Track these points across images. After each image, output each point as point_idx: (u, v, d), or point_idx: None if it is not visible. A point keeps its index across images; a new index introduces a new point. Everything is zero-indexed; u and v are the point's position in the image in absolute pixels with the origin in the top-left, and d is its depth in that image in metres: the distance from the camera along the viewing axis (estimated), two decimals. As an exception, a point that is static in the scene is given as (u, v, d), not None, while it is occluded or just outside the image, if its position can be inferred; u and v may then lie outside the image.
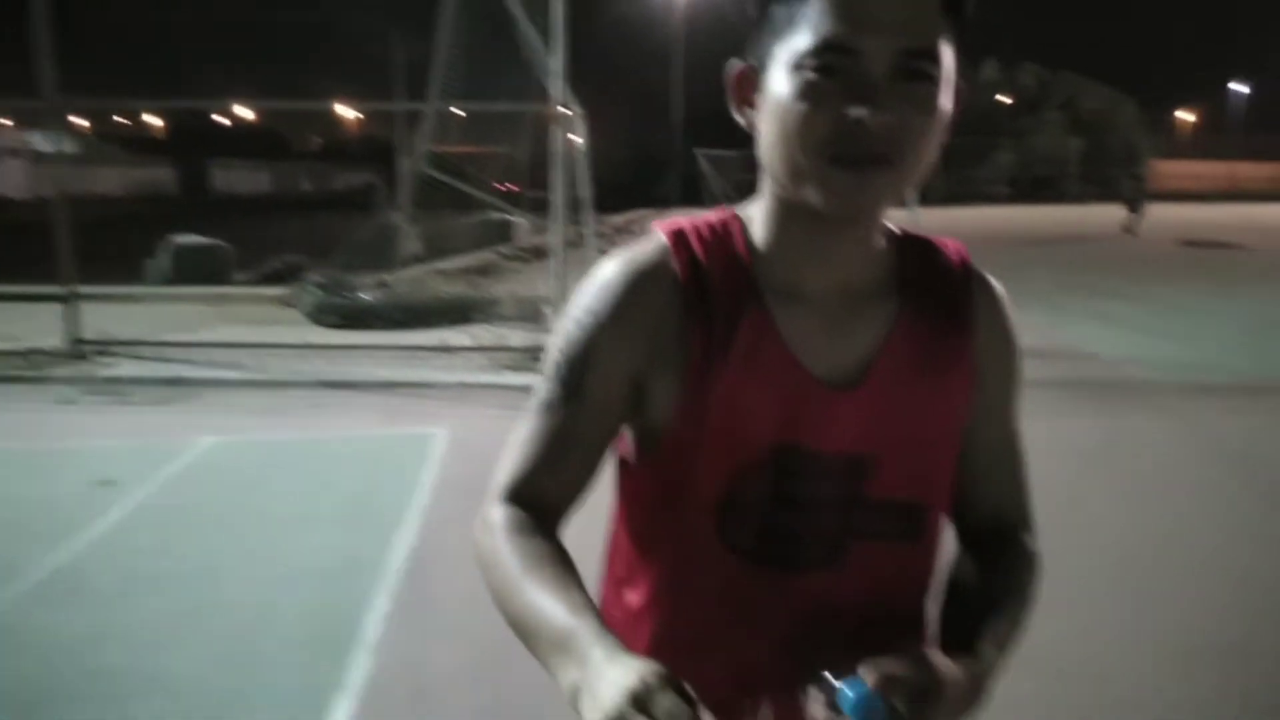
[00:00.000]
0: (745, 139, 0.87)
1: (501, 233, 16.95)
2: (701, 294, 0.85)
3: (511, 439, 0.93)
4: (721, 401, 0.84)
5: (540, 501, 0.89)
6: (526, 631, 0.79)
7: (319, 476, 4.85)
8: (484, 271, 13.45)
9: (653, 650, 0.89)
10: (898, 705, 0.71)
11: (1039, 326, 8.55)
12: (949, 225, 21.80)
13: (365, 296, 9.77)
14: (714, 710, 0.80)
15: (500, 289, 11.19)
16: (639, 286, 0.86)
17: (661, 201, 32.90)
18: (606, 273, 0.88)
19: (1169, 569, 3.75)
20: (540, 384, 0.92)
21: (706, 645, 0.89)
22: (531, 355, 7.33)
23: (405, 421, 5.86)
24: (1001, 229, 22.50)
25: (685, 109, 42.04)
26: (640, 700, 0.63)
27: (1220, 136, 43.66)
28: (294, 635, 3.19)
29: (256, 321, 9.00)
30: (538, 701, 2.76)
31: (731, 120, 0.88)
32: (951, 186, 30.11)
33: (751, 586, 0.87)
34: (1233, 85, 43.49)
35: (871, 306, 0.88)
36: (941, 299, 0.90)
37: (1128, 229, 21.24)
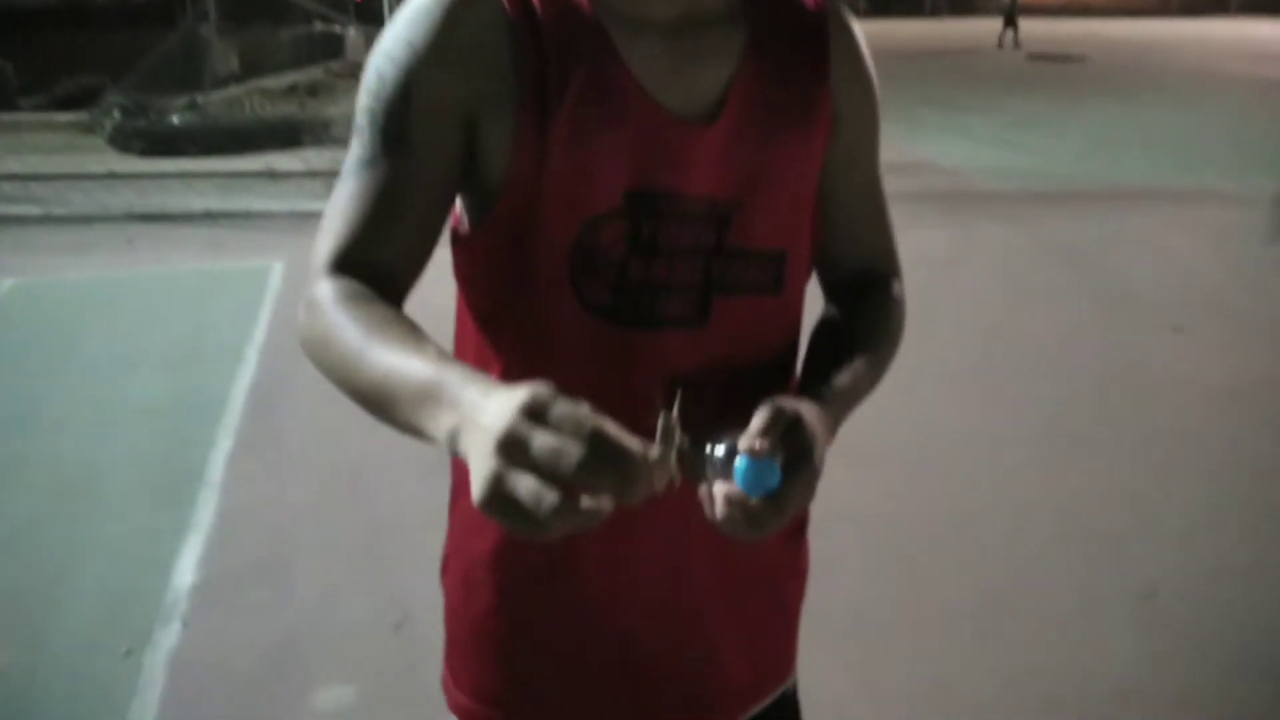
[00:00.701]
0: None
1: (330, 47, 15.74)
2: (531, 23, 0.77)
3: (329, 209, 0.81)
4: (565, 144, 0.77)
5: (373, 271, 0.78)
6: (382, 399, 0.68)
7: (141, 316, 4.57)
8: (313, 90, 12.53)
9: None
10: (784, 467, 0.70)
11: (898, 141, 8.74)
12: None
13: (174, 119, 8.99)
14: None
15: (333, 109, 10.50)
16: (459, 12, 0.77)
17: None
18: (419, 1, 0.79)
19: (1015, 365, 4.05)
20: (354, 141, 0.81)
21: None
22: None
23: (235, 255, 5.54)
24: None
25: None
26: (534, 410, 0.55)
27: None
28: (130, 481, 3.07)
29: (51, 150, 8.20)
30: (387, 530, 2.79)
31: None
32: None
33: (615, 350, 0.83)
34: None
35: (718, 36, 0.83)
36: (794, 34, 0.86)
37: (1001, 44, 21.94)
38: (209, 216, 6.34)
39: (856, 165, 0.94)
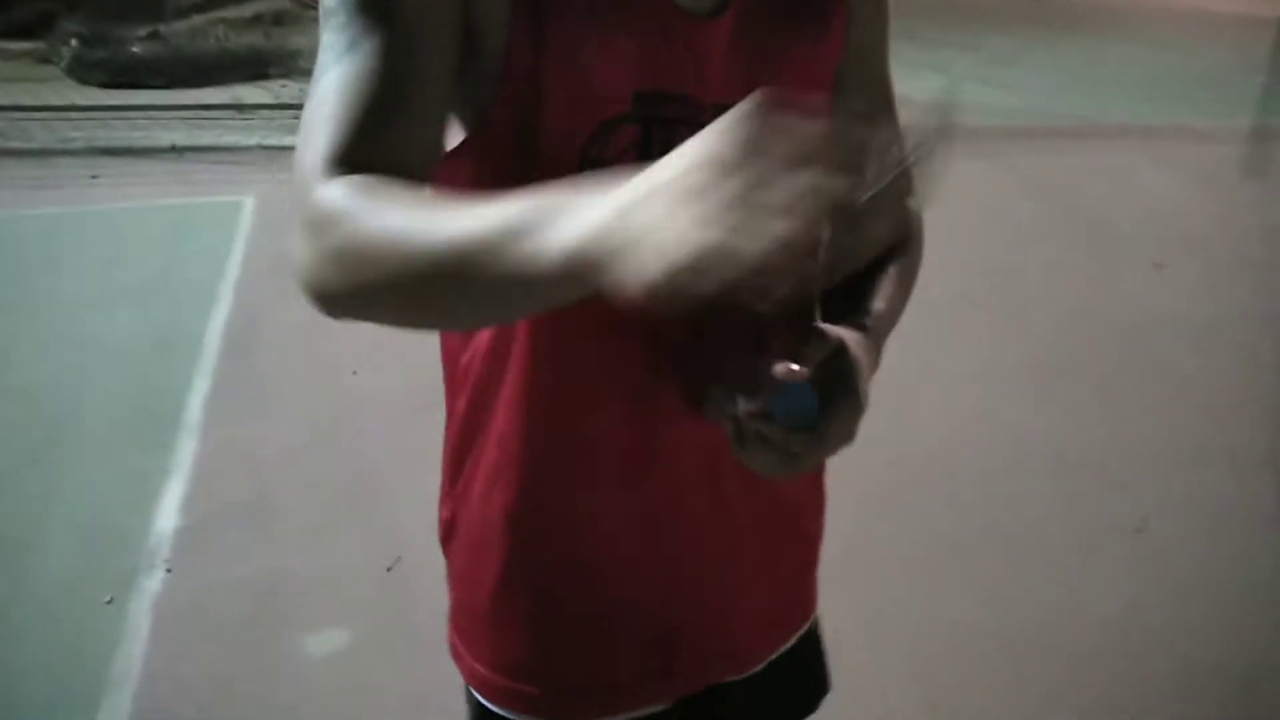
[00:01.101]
0: None
1: (294, -25, 15.18)
2: None
3: (310, 109, 0.65)
4: (564, 34, 0.66)
5: (383, 166, 0.61)
6: (460, 265, 0.53)
7: (110, 252, 4.39)
8: (278, 20, 12.06)
9: (545, 400, 0.76)
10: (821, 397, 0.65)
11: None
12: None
13: (136, 50, 8.62)
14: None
15: (301, 39, 10.13)
16: None
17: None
18: None
19: (1000, 301, 4.01)
20: (327, 31, 0.66)
21: (603, 374, 0.76)
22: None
23: (204, 190, 5.34)
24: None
25: None
26: (755, 141, 0.43)
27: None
28: (105, 424, 2.96)
29: (5, 80, 7.83)
30: (376, 469, 2.72)
31: None
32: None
33: None
34: None
35: None
36: None
37: None
38: (176, 150, 6.11)
39: (868, 65, 0.87)
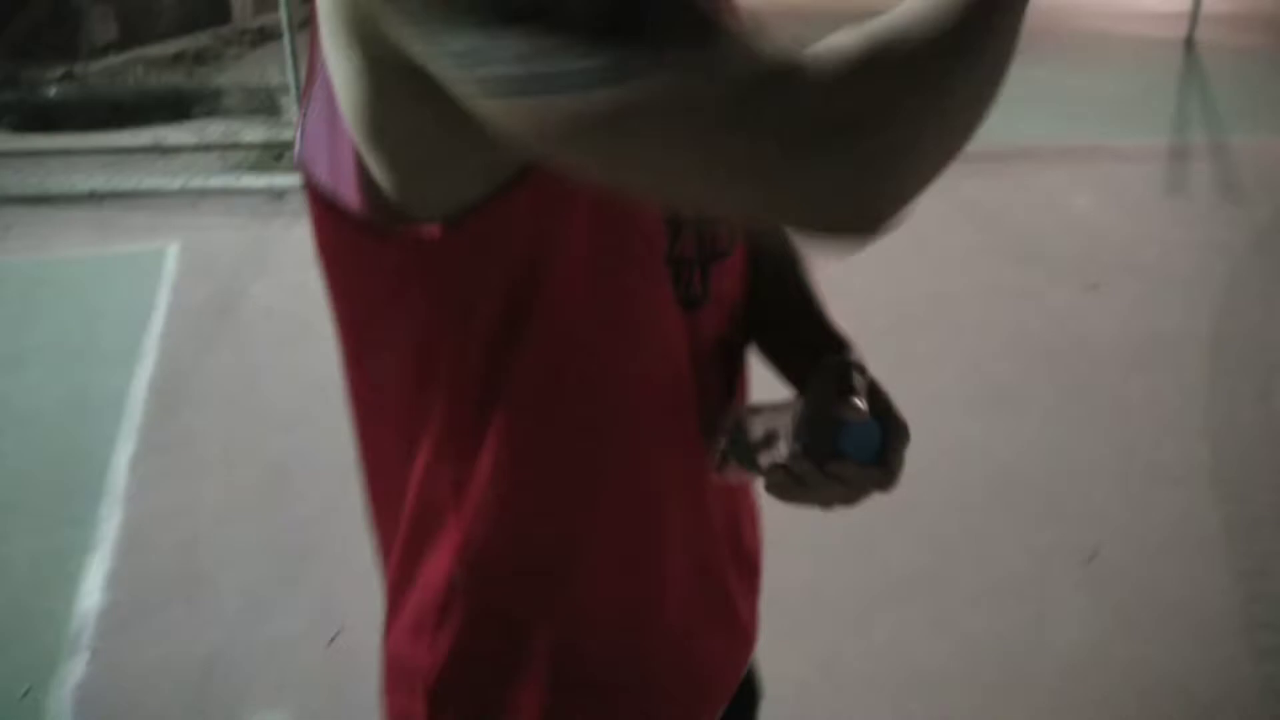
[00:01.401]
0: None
1: (217, 11, 14.89)
2: None
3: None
4: None
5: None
6: None
7: (23, 311, 4.18)
8: (200, 58, 11.82)
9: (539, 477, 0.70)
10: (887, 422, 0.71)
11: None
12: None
13: (50, 92, 8.33)
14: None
15: (223, 78, 9.91)
16: None
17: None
18: None
19: (938, 327, 4.02)
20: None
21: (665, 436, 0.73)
22: (273, 153, 6.58)
23: (124, 238, 5.14)
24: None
25: None
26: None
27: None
28: (20, 497, 2.78)
29: (-91, 127, 7.50)
30: (314, 534, 2.58)
31: None
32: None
33: (690, 339, 0.72)
34: None
35: None
36: None
37: None
38: (94, 197, 5.87)
39: None
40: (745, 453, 0.71)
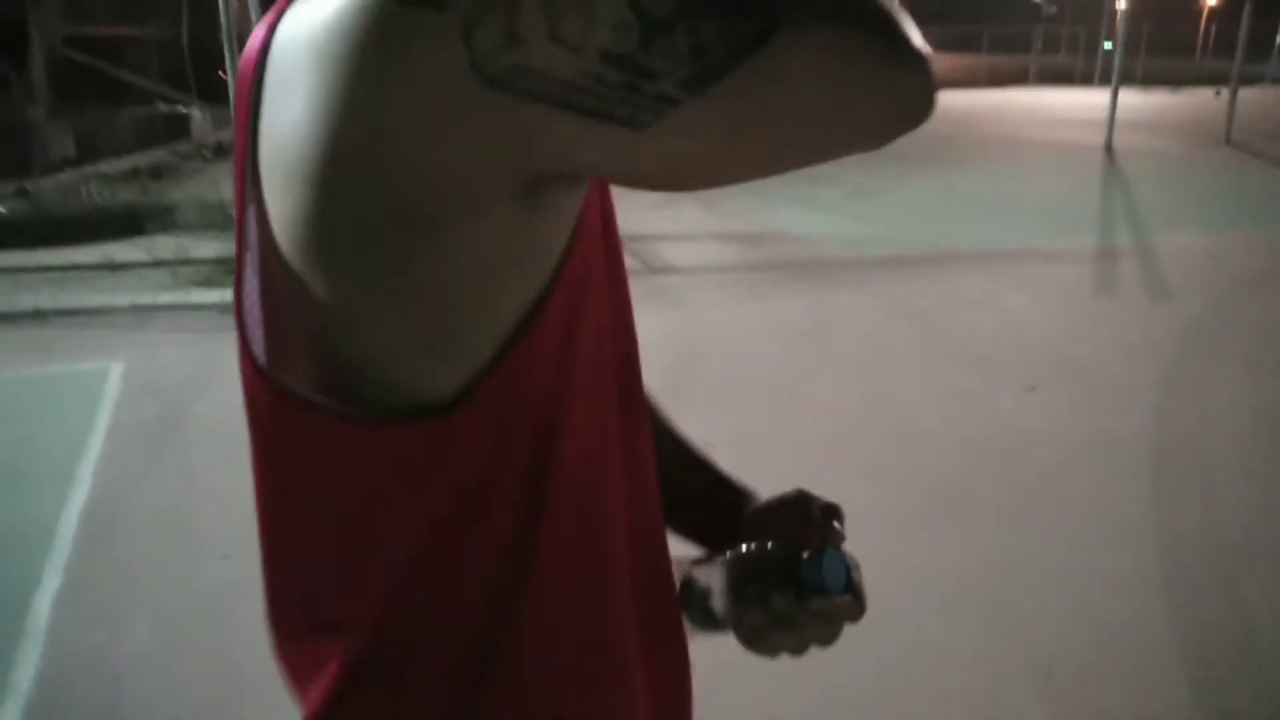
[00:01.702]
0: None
1: (174, 128, 15.00)
2: None
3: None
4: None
5: None
6: None
7: (-45, 434, 4.01)
8: (157, 174, 11.82)
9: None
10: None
11: (749, 213, 8.88)
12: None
13: (1, 209, 8.25)
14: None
15: (178, 193, 9.90)
16: None
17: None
18: None
19: (880, 433, 4.02)
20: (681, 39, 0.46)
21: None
22: (225, 268, 6.52)
23: (67, 357, 5.01)
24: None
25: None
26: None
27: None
28: (-67, 637, 2.60)
29: None
30: (249, 673, 2.44)
31: None
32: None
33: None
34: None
35: None
36: None
37: None
38: (38, 315, 5.74)
39: None
40: (700, 608, 0.69)
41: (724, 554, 0.71)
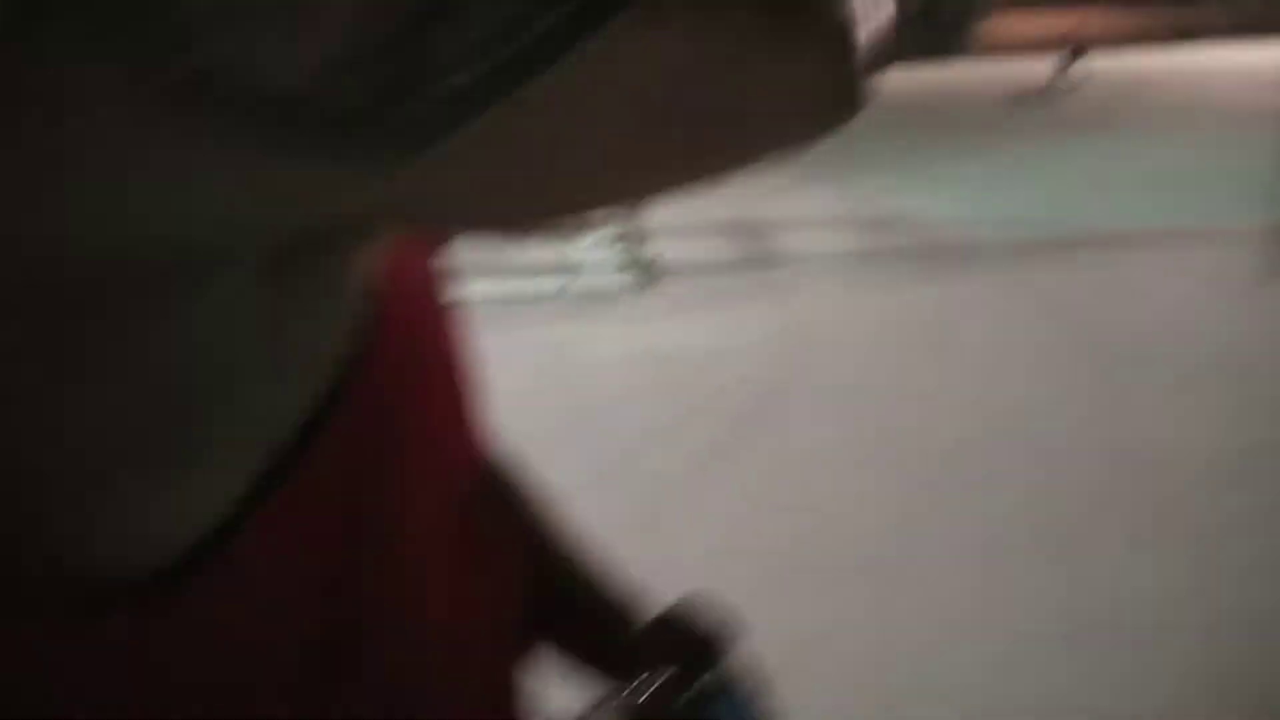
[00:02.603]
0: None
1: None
2: None
3: None
4: None
5: None
6: None
7: None
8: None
9: None
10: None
11: (869, 194, 8.43)
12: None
13: None
14: None
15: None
16: None
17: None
18: None
19: (1008, 446, 3.65)
20: None
21: None
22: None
23: None
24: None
25: None
26: None
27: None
28: None
29: None
30: None
31: None
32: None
33: None
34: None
35: None
36: None
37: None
38: None
39: None
40: None
41: (612, 698, 0.64)
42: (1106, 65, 25.69)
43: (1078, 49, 20.83)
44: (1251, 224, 6.90)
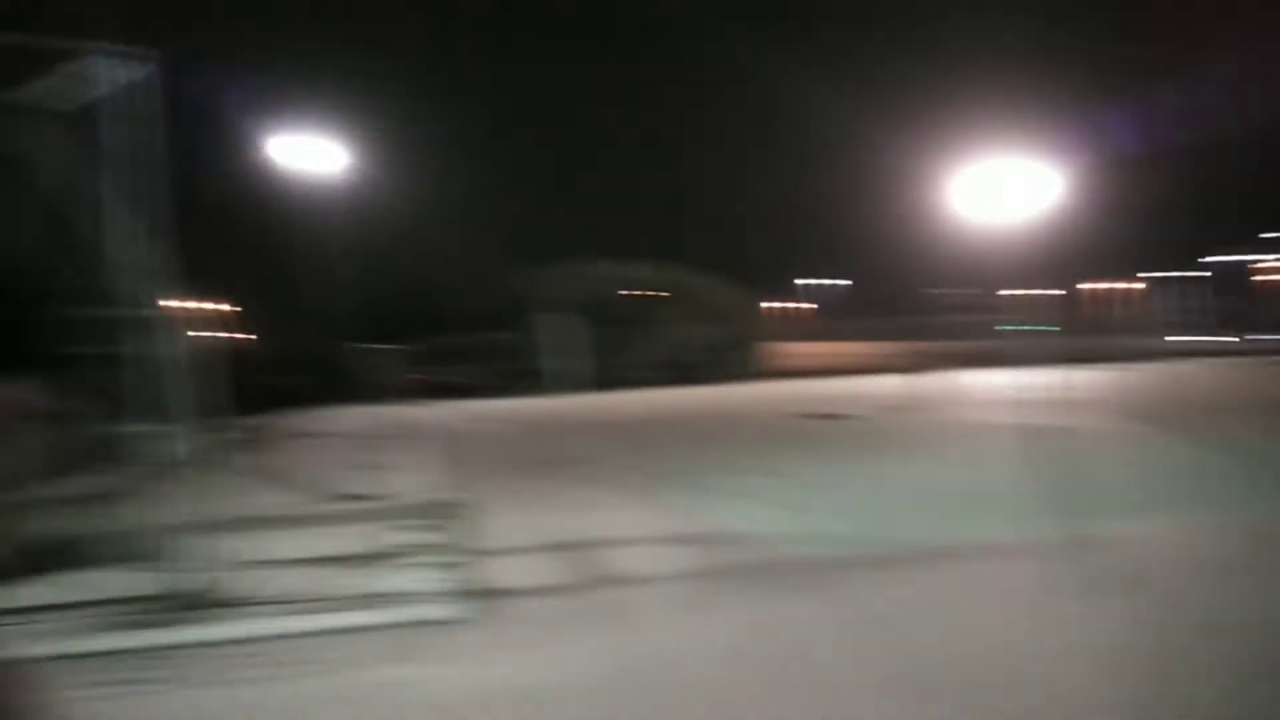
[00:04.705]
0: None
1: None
2: None
3: None
4: None
5: None
6: None
7: None
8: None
9: None
10: None
11: (683, 509, 8.51)
12: (609, 405, 21.94)
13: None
14: None
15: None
16: None
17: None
18: None
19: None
20: None
21: None
22: (167, 604, 5.89)
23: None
24: (645, 411, 21.60)
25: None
26: None
27: (825, 321, 48.90)
28: None
29: None
30: None
31: None
32: (603, 372, 30.38)
33: None
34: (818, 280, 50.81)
35: None
36: None
37: None
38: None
39: None
40: None
41: None
42: (874, 388, 27.87)
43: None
44: (1039, 537, 7.03)
